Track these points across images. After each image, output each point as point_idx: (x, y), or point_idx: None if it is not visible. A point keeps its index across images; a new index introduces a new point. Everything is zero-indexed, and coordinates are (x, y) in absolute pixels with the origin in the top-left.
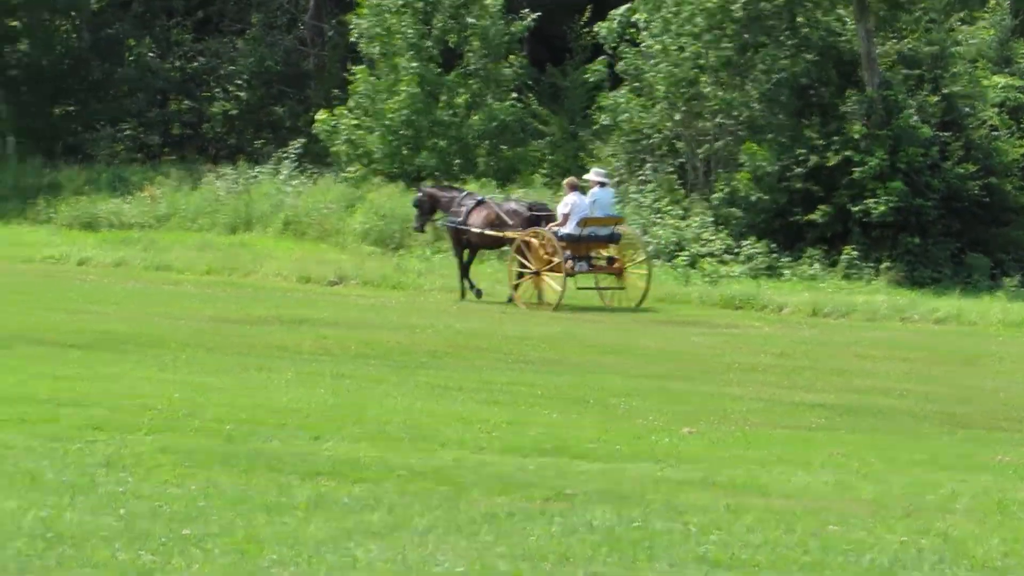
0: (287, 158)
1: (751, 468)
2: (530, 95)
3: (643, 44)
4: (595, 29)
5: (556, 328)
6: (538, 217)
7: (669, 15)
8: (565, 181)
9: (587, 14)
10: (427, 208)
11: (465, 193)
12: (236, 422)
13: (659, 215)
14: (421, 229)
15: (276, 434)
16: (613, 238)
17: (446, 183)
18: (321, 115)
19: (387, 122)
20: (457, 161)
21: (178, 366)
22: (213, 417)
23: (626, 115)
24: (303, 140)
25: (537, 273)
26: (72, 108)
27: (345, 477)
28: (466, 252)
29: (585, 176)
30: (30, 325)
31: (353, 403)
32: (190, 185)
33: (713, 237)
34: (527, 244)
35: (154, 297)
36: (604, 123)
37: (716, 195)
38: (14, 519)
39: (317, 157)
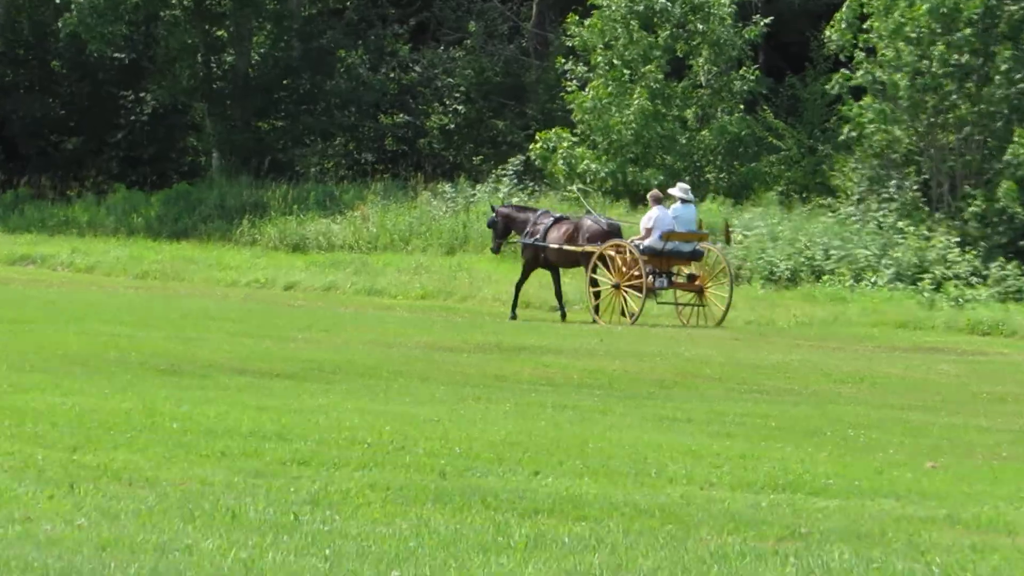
0: (506, 175)
1: (998, 505)
2: (765, 107)
3: (879, 53)
4: (825, 35)
5: (792, 356)
6: (614, 234)
7: (902, 19)
8: (649, 194)
9: (832, 22)
10: (501, 229)
11: (542, 211)
12: (450, 456)
13: (901, 235)
14: (497, 250)
15: (492, 469)
16: (695, 255)
17: (521, 203)
18: (538, 137)
19: (614, 137)
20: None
21: (389, 397)
22: (426, 451)
23: (871, 127)
24: (522, 157)
25: (617, 286)
26: (280, 122)
27: (565, 515)
28: (534, 271)
29: (669, 191)
30: (234, 353)
31: (575, 436)
32: (403, 204)
33: (959, 259)
34: (608, 258)
35: (365, 323)
36: (844, 137)
37: (966, 209)
38: (213, 560)
39: (539, 174)
